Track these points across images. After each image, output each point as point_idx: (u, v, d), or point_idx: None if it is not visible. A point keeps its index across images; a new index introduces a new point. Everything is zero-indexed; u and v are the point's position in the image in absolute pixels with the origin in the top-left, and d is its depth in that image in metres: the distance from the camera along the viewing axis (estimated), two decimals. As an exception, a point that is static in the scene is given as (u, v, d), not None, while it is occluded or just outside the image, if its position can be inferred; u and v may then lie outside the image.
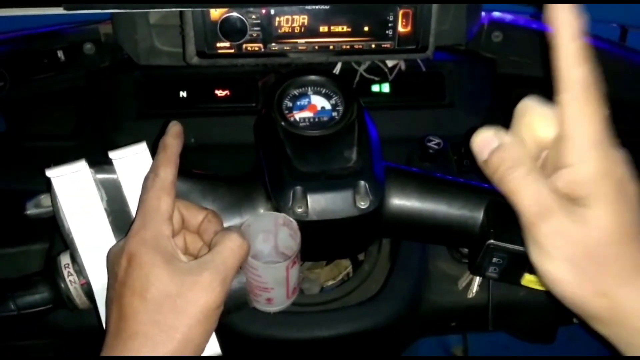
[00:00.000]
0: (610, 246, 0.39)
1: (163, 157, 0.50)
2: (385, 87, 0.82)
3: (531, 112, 0.42)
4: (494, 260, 0.55)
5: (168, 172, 0.49)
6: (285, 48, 0.71)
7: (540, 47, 0.85)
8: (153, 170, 0.49)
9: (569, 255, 0.40)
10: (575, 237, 0.40)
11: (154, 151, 0.52)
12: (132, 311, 0.44)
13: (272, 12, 0.69)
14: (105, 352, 0.45)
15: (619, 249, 0.40)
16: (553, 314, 0.75)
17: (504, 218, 0.56)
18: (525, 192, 0.40)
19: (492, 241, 0.54)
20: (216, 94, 0.80)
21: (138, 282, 0.45)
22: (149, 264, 0.45)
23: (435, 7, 0.71)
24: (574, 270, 0.40)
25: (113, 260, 0.48)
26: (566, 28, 0.38)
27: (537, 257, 0.41)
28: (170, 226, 0.47)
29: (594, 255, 0.40)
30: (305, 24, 0.70)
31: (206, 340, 0.46)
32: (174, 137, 0.51)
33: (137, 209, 0.48)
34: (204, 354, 0.48)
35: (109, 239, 0.52)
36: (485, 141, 0.42)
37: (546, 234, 0.40)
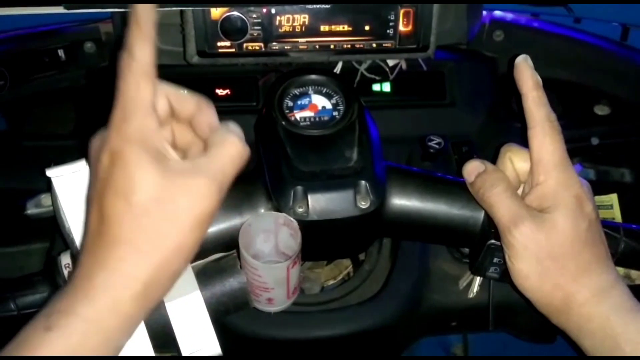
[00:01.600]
0: (567, 247, 0.49)
1: (137, 32, 0.41)
2: (386, 87, 0.82)
3: (511, 151, 0.54)
4: (495, 260, 0.55)
5: (145, 51, 0.41)
6: (286, 47, 0.71)
7: (541, 46, 0.85)
8: (127, 51, 0.41)
9: (536, 255, 0.49)
10: (541, 239, 0.49)
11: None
12: (115, 214, 0.39)
13: (273, 11, 0.68)
14: (85, 258, 0.40)
15: (573, 250, 0.49)
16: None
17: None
18: (501, 205, 0.51)
19: (493, 241, 0.54)
20: (216, 93, 0.80)
21: (122, 182, 0.39)
22: (135, 163, 0.39)
23: (436, 6, 0.71)
24: (539, 268, 0.50)
25: (94, 156, 0.42)
26: (528, 81, 0.51)
27: (510, 258, 0.51)
28: (155, 117, 0.41)
29: (554, 255, 0.49)
30: (306, 23, 0.69)
31: (197, 247, 0.42)
32: (148, 7, 0.42)
33: (116, 99, 0.41)
34: (204, 354, 0.48)
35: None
36: (473, 167, 0.54)
37: (517, 237, 0.50)
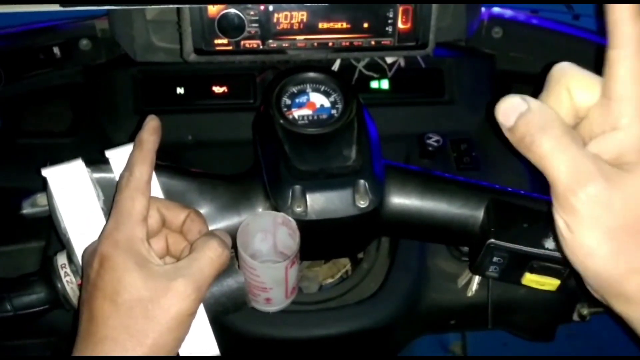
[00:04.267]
0: None
1: (139, 154, 0.48)
2: (385, 84, 0.81)
3: (569, 76, 0.38)
4: (495, 259, 0.55)
5: (143, 170, 0.48)
6: (283, 45, 0.70)
7: (540, 43, 0.85)
8: (128, 169, 0.48)
9: (608, 227, 0.36)
10: (617, 206, 0.36)
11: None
12: (102, 315, 0.44)
13: (271, 8, 0.68)
14: (77, 355, 0.44)
15: None
16: (552, 312, 0.75)
17: (505, 217, 0.56)
18: (560, 156, 0.36)
19: (492, 240, 0.53)
20: (213, 91, 0.79)
21: (110, 285, 0.44)
22: (121, 267, 0.44)
23: (435, 4, 0.71)
24: (611, 244, 0.37)
25: (86, 260, 0.47)
26: None
27: (572, 228, 0.37)
28: (145, 228, 0.46)
29: (634, 229, 0.36)
30: (304, 20, 0.69)
31: (177, 347, 0.46)
32: (150, 132, 0.50)
33: (112, 210, 0.47)
34: (202, 354, 0.48)
35: (106, 239, 0.51)
36: (512, 106, 0.38)
37: (585, 201, 0.36)
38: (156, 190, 0.51)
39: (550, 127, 0.37)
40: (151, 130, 0.50)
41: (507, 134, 0.39)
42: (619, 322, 0.40)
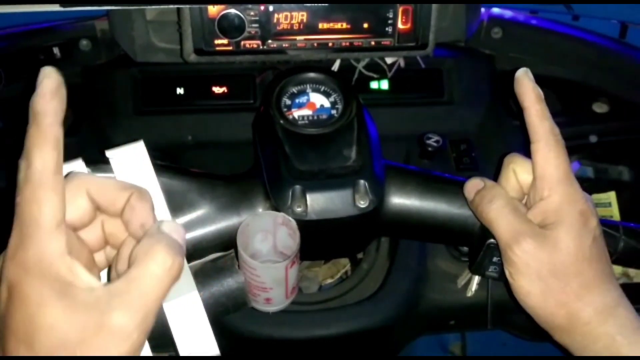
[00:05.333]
0: (571, 265, 0.48)
1: (35, 133, 0.33)
2: (384, 84, 0.81)
3: (515, 162, 0.52)
4: (494, 259, 0.55)
5: (45, 155, 0.33)
6: (284, 45, 0.70)
7: (540, 44, 0.85)
8: (24, 157, 0.34)
9: (538, 273, 0.48)
10: (543, 257, 0.48)
11: (151, 149, 0.51)
12: None
13: (271, 8, 0.68)
14: None
15: (577, 267, 0.48)
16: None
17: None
18: (501, 220, 0.50)
19: (492, 240, 0.53)
20: (213, 91, 0.79)
21: (22, 326, 0.33)
22: (34, 302, 0.32)
23: (435, 3, 0.71)
24: (542, 285, 0.48)
25: None
26: (530, 94, 0.50)
27: (511, 274, 0.50)
28: (62, 236, 0.33)
29: (558, 273, 0.48)
30: (304, 20, 0.69)
31: None
32: (48, 97, 0.33)
33: (14, 219, 0.34)
34: (202, 355, 0.48)
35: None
36: (473, 185, 0.54)
37: (519, 254, 0.48)
38: (156, 191, 0.51)
39: (495, 200, 0.51)
40: (48, 93, 0.33)
41: (470, 205, 0.54)
42: (564, 351, 0.51)
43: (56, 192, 0.34)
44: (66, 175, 0.37)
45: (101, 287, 0.34)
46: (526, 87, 0.50)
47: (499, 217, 0.50)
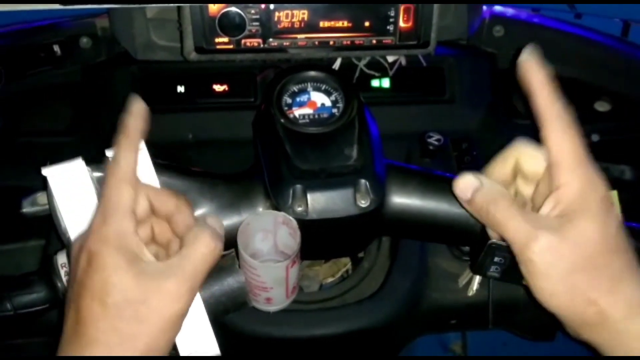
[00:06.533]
0: (597, 257, 0.44)
1: (124, 141, 0.45)
2: (386, 82, 0.81)
3: (520, 151, 0.48)
4: (496, 259, 0.55)
5: (129, 158, 0.45)
6: (284, 44, 0.70)
7: (542, 42, 0.85)
8: (113, 158, 0.45)
9: (561, 270, 0.44)
10: (565, 252, 0.43)
11: (151, 148, 0.51)
12: (91, 316, 0.41)
13: (272, 7, 0.68)
14: (64, 356, 0.42)
15: (604, 260, 0.44)
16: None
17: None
18: (512, 220, 0.45)
19: (493, 241, 0.53)
20: (214, 89, 0.79)
21: (99, 284, 0.41)
22: (111, 266, 0.41)
23: (436, 3, 0.71)
24: (566, 283, 0.44)
25: (74, 257, 0.44)
26: (538, 77, 0.45)
27: (531, 276, 0.45)
28: (133, 220, 0.43)
29: (583, 267, 0.44)
30: (305, 19, 0.69)
31: (169, 347, 0.44)
32: (135, 116, 0.46)
33: (98, 202, 0.45)
34: (202, 354, 0.48)
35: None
36: (467, 183, 0.48)
37: (538, 252, 0.44)
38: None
39: (500, 200, 0.46)
40: (136, 114, 0.46)
41: (465, 206, 0.49)
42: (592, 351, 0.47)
43: (133, 186, 0.44)
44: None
45: (160, 262, 0.43)
46: (533, 67, 0.45)
47: (509, 218, 0.45)
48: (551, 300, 0.45)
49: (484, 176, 0.49)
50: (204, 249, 0.44)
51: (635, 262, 0.45)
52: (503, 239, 0.51)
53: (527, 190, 0.50)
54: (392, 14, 0.70)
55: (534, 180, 0.48)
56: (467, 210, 0.49)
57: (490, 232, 0.50)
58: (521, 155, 0.48)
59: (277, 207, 0.55)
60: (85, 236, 0.43)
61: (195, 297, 0.44)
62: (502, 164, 0.49)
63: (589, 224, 0.44)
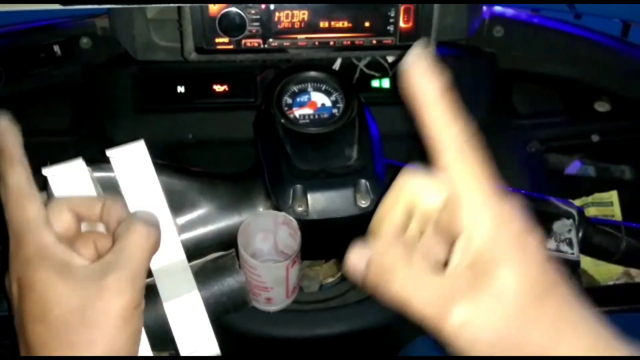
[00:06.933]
0: (529, 310, 0.35)
1: (3, 161, 0.42)
2: (386, 83, 0.81)
3: (412, 185, 0.39)
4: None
5: (17, 174, 0.41)
6: (285, 44, 0.70)
7: (542, 42, 0.85)
8: (1, 181, 0.42)
9: (489, 340, 0.35)
10: (490, 316, 0.34)
11: (151, 148, 0.51)
12: (39, 340, 0.39)
13: (272, 7, 0.68)
14: None
15: (537, 309, 0.35)
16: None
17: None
18: (417, 296, 0.35)
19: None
20: (214, 89, 0.79)
21: (35, 306, 0.39)
22: (40, 282, 0.39)
23: (437, 3, 0.71)
24: (503, 351, 0.35)
25: (7, 292, 0.42)
26: (426, 90, 0.35)
27: (460, 353, 0.36)
28: (51, 230, 0.41)
29: (515, 327, 0.35)
30: (306, 19, 0.69)
31: (136, 343, 0.42)
32: (3, 133, 0.43)
33: (7, 229, 0.41)
34: (203, 354, 0.48)
35: (106, 238, 0.51)
36: (355, 260, 0.38)
37: (456, 328, 0.34)
38: (156, 190, 0.51)
39: (396, 270, 0.36)
40: (3, 130, 0.43)
41: (364, 286, 0.38)
42: None
43: (33, 198, 0.41)
44: (47, 201, 0.45)
45: (94, 263, 0.41)
46: (420, 77, 0.35)
47: (412, 292, 0.36)
48: None
49: (375, 238, 0.39)
50: (137, 237, 0.42)
51: (571, 297, 0.36)
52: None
53: (429, 226, 0.39)
54: (392, 14, 0.70)
55: (434, 219, 0.39)
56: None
57: None
58: (412, 191, 0.38)
59: (277, 207, 0.55)
60: (7, 267, 0.41)
61: (142, 288, 0.42)
62: (393, 207, 0.39)
63: (508, 273, 0.34)
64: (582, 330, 0.35)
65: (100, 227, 0.46)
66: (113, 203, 0.45)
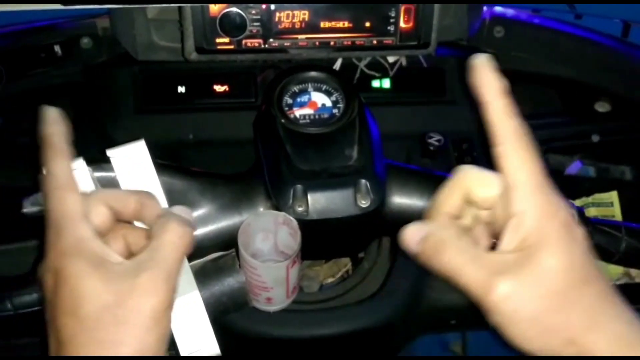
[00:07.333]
0: (567, 293, 0.39)
1: (50, 152, 0.43)
2: (386, 83, 0.81)
3: (468, 179, 0.43)
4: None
5: (60, 166, 0.43)
6: (285, 44, 0.70)
7: (542, 43, 0.85)
8: (45, 169, 0.43)
9: (529, 314, 0.39)
10: (529, 294, 0.39)
11: (152, 148, 0.51)
12: (68, 334, 0.39)
13: (272, 7, 0.68)
14: None
15: (575, 294, 0.39)
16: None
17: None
18: (465, 267, 0.40)
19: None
20: (215, 90, 0.79)
21: (68, 299, 0.39)
22: (76, 276, 0.39)
23: (437, 3, 0.71)
24: (538, 327, 0.39)
25: (41, 282, 0.42)
26: (492, 88, 0.41)
27: (500, 325, 0.40)
28: (88, 225, 0.41)
29: (553, 307, 0.39)
30: (306, 19, 0.69)
31: (163, 345, 0.41)
32: (52, 124, 0.44)
33: (46, 220, 0.42)
34: (203, 354, 0.48)
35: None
36: (412, 234, 0.43)
37: (499, 301, 0.39)
38: (157, 190, 0.51)
39: (448, 247, 0.41)
40: (51, 121, 0.44)
41: (416, 258, 0.43)
42: None
43: (74, 191, 0.42)
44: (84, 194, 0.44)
45: (129, 261, 0.41)
46: (487, 77, 0.41)
47: (463, 265, 0.40)
48: (526, 346, 0.40)
49: (431, 220, 0.44)
50: (172, 237, 0.42)
51: (609, 290, 0.40)
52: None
53: (482, 218, 0.45)
54: (393, 14, 0.70)
55: (488, 207, 0.43)
56: (418, 260, 0.43)
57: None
58: (470, 182, 0.43)
59: (277, 207, 0.55)
60: (44, 257, 0.41)
61: (174, 288, 0.42)
62: (450, 196, 0.44)
63: (552, 256, 0.39)
64: (616, 319, 0.39)
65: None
66: (148, 199, 0.46)
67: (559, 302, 0.39)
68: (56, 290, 0.40)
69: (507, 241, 0.40)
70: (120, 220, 0.46)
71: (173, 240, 0.42)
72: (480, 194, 0.43)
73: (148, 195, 0.46)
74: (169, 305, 0.41)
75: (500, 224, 0.41)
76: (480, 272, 0.39)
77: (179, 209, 0.46)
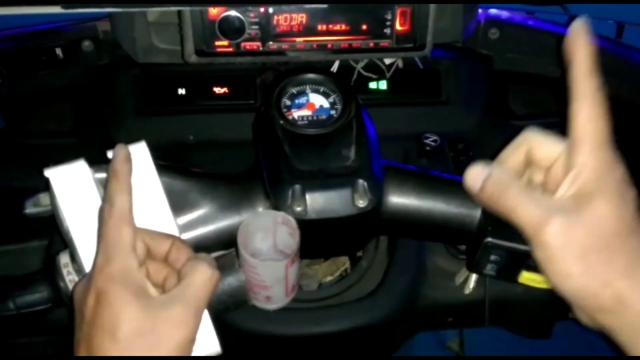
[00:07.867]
0: (613, 239, 0.43)
1: (115, 184, 0.48)
2: (383, 85, 0.82)
3: (532, 139, 0.49)
4: (492, 258, 0.56)
5: (123, 199, 0.47)
6: (283, 47, 0.71)
7: (537, 44, 0.86)
8: (107, 200, 0.47)
9: (576, 252, 0.43)
10: (579, 233, 0.43)
11: (153, 149, 0.52)
12: (102, 351, 0.43)
13: (271, 10, 0.69)
14: None
15: (621, 241, 0.43)
16: (549, 310, 0.76)
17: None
18: (523, 205, 0.45)
19: (489, 239, 0.54)
20: (214, 91, 0.80)
21: (108, 321, 0.43)
22: (119, 301, 0.43)
23: (433, 5, 0.72)
24: (581, 265, 0.43)
25: (79, 299, 0.46)
26: (583, 49, 0.45)
27: (545, 259, 0.45)
28: (136, 257, 0.46)
29: (598, 249, 0.43)
30: (304, 22, 0.70)
31: None
32: (123, 161, 0.49)
33: (98, 243, 0.46)
34: (204, 353, 0.49)
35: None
36: (476, 173, 0.49)
37: (551, 235, 0.43)
38: (158, 190, 0.52)
39: (511, 185, 0.46)
40: (123, 159, 0.49)
41: (477, 196, 0.49)
42: (607, 341, 0.46)
43: (131, 225, 0.46)
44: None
45: (165, 294, 0.46)
46: (580, 41, 0.45)
47: (521, 202, 0.45)
48: (566, 283, 0.44)
49: (494, 164, 0.50)
50: (203, 277, 0.46)
51: None
52: (503, 237, 0.52)
53: (539, 177, 0.50)
54: (389, 17, 0.70)
55: (546, 167, 0.48)
56: (479, 199, 0.49)
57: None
58: (533, 142, 0.49)
59: (276, 207, 0.56)
60: (89, 277, 0.45)
61: (199, 324, 0.46)
62: (514, 152, 0.50)
63: (605, 205, 0.43)
64: None
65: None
66: (182, 244, 0.49)
67: (606, 245, 0.43)
68: (97, 310, 0.43)
69: (565, 189, 0.44)
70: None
71: (204, 279, 0.46)
72: (542, 153, 0.48)
73: (181, 240, 0.50)
74: (193, 339, 0.45)
75: (554, 182, 0.46)
76: (537, 210, 0.44)
77: (205, 255, 0.50)
